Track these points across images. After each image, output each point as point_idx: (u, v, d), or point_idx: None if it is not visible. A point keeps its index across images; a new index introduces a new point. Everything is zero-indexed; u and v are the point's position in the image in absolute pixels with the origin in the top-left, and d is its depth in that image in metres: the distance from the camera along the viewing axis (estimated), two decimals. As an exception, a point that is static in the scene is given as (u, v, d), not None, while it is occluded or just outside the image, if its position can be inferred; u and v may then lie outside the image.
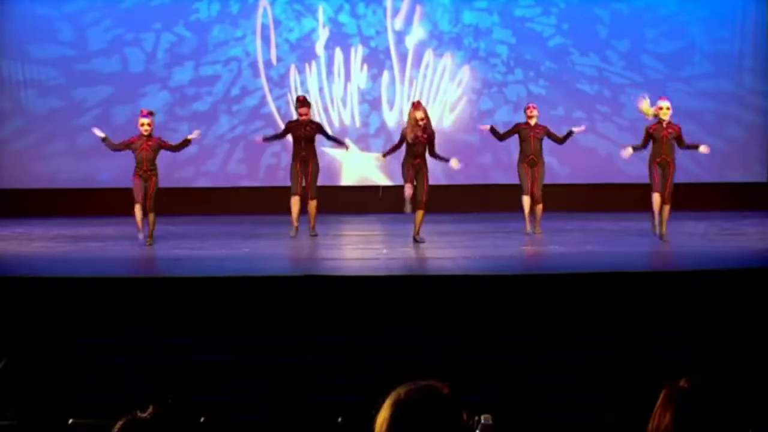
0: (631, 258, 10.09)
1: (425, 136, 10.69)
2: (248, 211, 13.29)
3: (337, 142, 12.38)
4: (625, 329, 7.54)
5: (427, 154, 10.79)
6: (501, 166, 15.67)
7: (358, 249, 10.94)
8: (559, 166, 15.38)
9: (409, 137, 10.66)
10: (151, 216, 10.74)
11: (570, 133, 11.90)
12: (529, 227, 11.76)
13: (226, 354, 7.46)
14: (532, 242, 11.12)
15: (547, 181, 15.13)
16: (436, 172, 15.65)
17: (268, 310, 7.82)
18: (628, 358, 7.20)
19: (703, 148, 11.00)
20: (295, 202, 11.45)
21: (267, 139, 12.28)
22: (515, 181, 15.96)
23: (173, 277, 8.67)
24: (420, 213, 10.68)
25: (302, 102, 11.67)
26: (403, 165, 10.81)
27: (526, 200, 11.80)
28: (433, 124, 15.35)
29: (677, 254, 10.15)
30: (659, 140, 10.84)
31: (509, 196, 15.40)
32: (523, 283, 8.19)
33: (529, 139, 11.70)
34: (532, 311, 7.79)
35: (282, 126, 13.89)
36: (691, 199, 14.67)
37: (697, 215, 13.55)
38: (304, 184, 11.47)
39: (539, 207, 11.82)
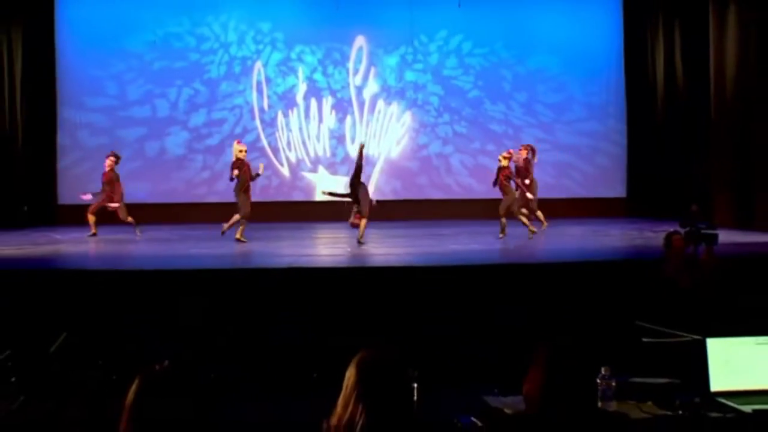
0: (531, 252, 10.13)
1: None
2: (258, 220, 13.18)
3: None
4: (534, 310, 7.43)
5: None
6: (434, 186, 15.83)
7: (329, 248, 10.96)
8: (477, 185, 15.53)
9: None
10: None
11: None
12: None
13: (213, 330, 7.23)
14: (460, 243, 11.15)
15: (467, 196, 15.34)
16: (385, 190, 15.79)
17: (258, 298, 7.70)
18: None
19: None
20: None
21: None
22: (447, 196, 16.12)
23: (177, 270, 8.35)
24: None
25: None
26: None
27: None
28: (384, 154, 15.60)
29: (564, 250, 10.20)
30: None
31: (439, 209, 15.57)
32: (451, 273, 8.14)
33: None
34: (453, 295, 7.73)
35: (271, 157, 13.97)
36: (572, 209, 14.96)
37: (576, 221, 13.76)
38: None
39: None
